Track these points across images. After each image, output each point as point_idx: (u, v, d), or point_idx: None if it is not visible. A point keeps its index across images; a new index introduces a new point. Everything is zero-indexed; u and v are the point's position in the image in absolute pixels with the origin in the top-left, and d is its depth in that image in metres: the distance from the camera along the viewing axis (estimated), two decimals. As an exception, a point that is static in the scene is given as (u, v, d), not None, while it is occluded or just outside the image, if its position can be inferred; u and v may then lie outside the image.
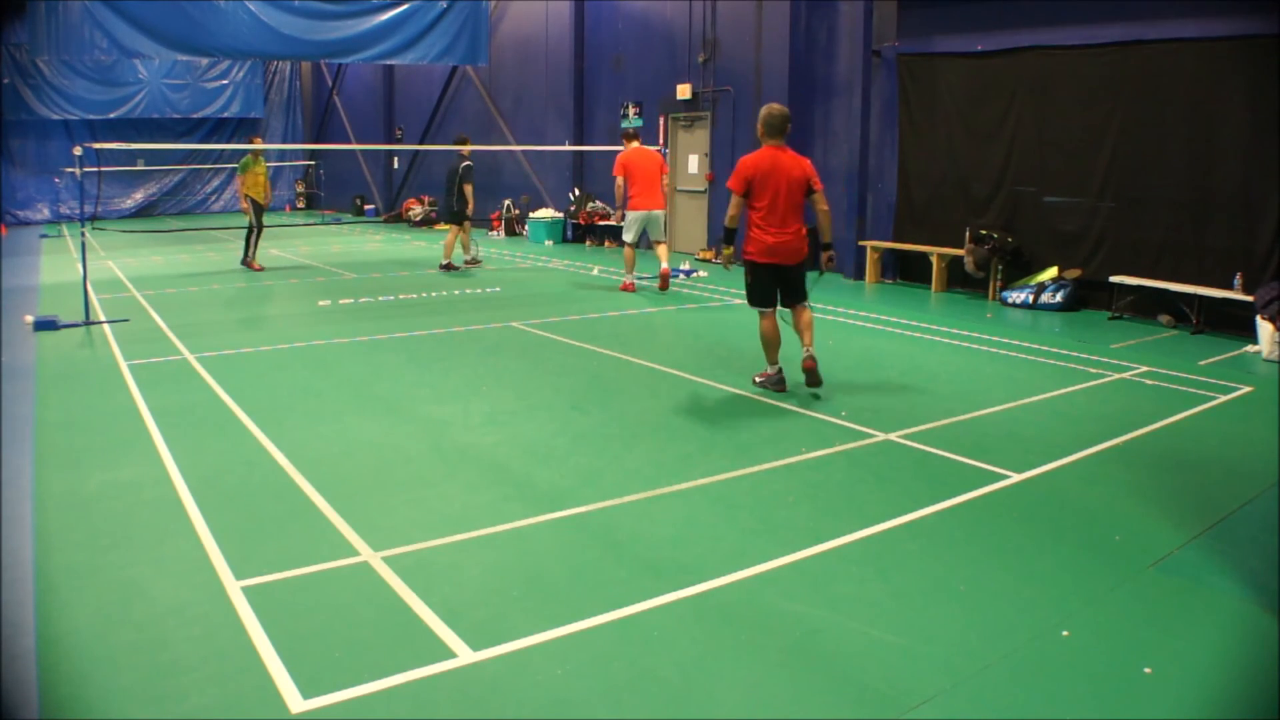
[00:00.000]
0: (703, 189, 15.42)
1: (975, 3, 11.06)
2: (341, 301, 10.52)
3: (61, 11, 13.90)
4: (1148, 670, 2.99)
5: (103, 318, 9.22)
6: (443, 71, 22.27)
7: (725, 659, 3.04)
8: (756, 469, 4.87)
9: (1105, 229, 10.01)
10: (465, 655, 3.03)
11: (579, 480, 4.72)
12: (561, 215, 18.29)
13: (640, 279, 11.78)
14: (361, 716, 2.72)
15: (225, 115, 27.98)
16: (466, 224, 13.66)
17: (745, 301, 6.73)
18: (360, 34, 16.41)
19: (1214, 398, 6.44)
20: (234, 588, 3.49)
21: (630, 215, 11.31)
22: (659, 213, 11.40)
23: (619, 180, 11.37)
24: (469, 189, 13.34)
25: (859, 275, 12.65)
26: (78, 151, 9.71)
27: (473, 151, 13.63)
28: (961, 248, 11.04)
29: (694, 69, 15.25)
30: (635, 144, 11.56)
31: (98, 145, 11.40)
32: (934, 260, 11.56)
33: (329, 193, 29.03)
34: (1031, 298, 10.21)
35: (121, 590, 3.49)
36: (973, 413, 5.98)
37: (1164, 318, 9.34)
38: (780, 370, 6.49)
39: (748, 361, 7.19)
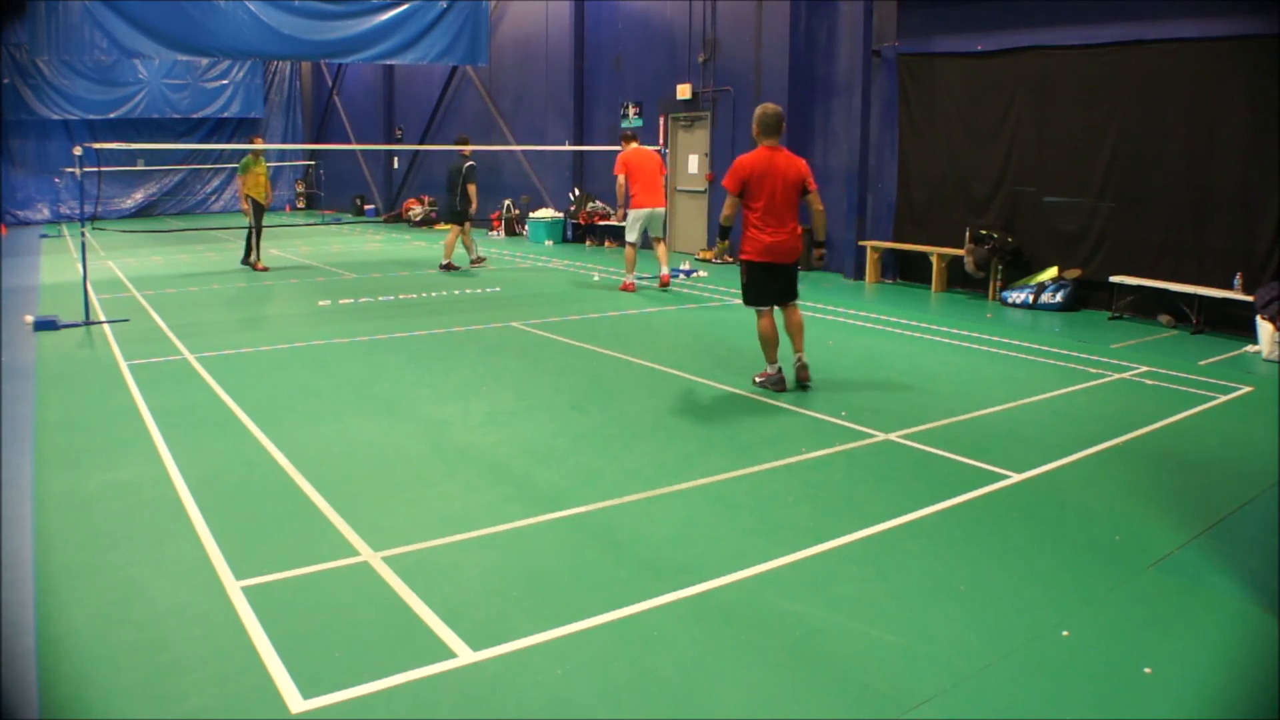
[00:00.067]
0: (703, 189, 15.42)
1: (975, 3, 11.06)
2: (341, 301, 10.52)
3: (61, 11, 13.90)
4: (1148, 670, 2.99)
5: (103, 318, 9.22)
6: (443, 71, 22.27)
7: (725, 659, 3.04)
8: (756, 469, 4.87)
9: (1105, 229, 10.01)
10: (465, 655, 3.03)
11: (579, 480, 4.72)
12: (561, 215, 18.29)
13: (640, 279, 11.78)
14: (361, 716, 2.72)
15: (225, 115, 27.99)
16: (467, 224, 13.68)
17: (742, 301, 6.78)
18: (360, 34, 16.41)
19: (1214, 398, 6.44)
20: (234, 588, 3.49)
21: (632, 214, 11.35)
22: (661, 211, 11.51)
23: (620, 179, 11.40)
24: (473, 189, 13.40)
25: (859, 275, 12.65)
26: (78, 151, 9.71)
27: (473, 151, 13.66)
28: (961, 248, 11.04)
29: (694, 69, 15.26)
30: (634, 144, 11.61)
31: (98, 145, 11.40)
32: (934, 260, 11.56)
33: (329, 193, 29.03)
34: (1031, 298, 10.21)
35: (121, 590, 3.49)
36: (973, 413, 5.98)
37: (1164, 318, 9.34)
38: (780, 370, 6.50)
39: (747, 361, 7.19)
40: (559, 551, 3.88)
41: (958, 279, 11.55)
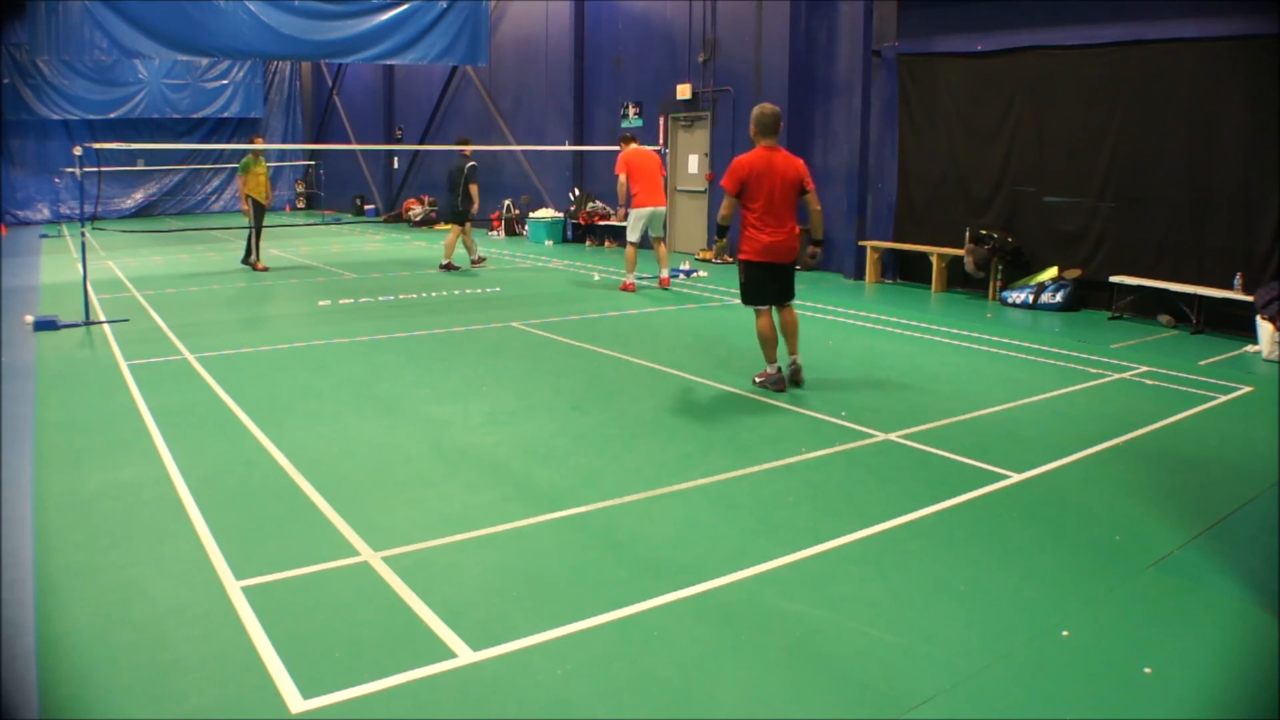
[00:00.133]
0: (703, 189, 15.42)
1: (975, 3, 11.06)
2: (341, 301, 10.52)
3: (61, 11, 13.90)
4: (1148, 670, 2.99)
5: (103, 318, 9.22)
6: (443, 71, 22.27)
7: (725, 659, 3.04)
8: (756, 469, 4.87)
9: (1105, 229, 10.01)
10: (465, 655, 3.03)
11: (579, 480, 4.72)
12: (561, 215, 18.29)
13: (640, 279, 11.79)
14: (361, 716, 2.72)
15: (225, 115, 27.99)
16: (468, 224, 13.70)
17: (740, 301, 6.80)
18: (360, 34, 16.41)
19: (1214, 398, 6.44)
20: (234, 588, 3.49)
21: (634, 213, 11.38)
22: (662, 210, 11.57)
23: (622, 178, 11.41)
24: (474, 189, 13.43)
25: (859, 275, 12.65)
26: (78, 151, 9.71)
27: (474, 152, 13.69)
28: (961, 248, 11.04)
29: (694, 69, 15.25)
30: (634, 145, 11.65)
31: (98, 145, 11.41)
32: (934, 260, 11.56)
33: (329, 193, 29.03)
34: (1031, 298, 10.21)
35: (121, 590, 3.49)
36: (973, 413, 5.98)
37: (1164, 318, 9.34)
38: (779, 369, 6.51)
39: (747, 361, 7.19)
40: (559, 551, 3.88)
41: (958, 279, 11.55)
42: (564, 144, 18.04)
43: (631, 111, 16.86)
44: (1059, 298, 10.03)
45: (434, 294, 11.19)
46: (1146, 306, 9.58)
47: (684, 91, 15.36)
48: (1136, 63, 9.55)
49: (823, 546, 3.90)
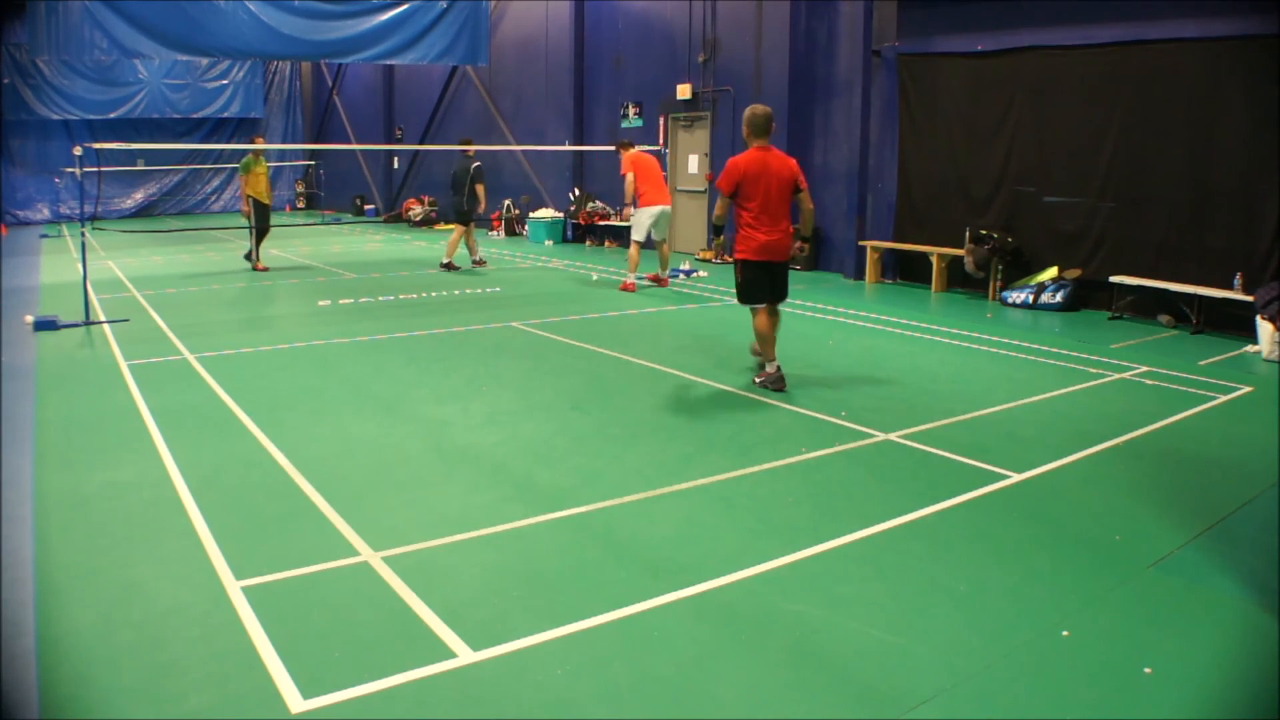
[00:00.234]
0: (703, 189, 15.42)
1: (975, 3, 11.06)
2: (341, 301, 10.52)
3: (61, 11, 13.90)
4: (1148, 670, 2.99)
5: (103, 318, 9.22)
6: (443, 71, 22.27)
7: (725, 659, 3.04)
8: (756, 469, 4.87)
9: (1105, 229, 10.01)
10: (465, 655, 3.03)
11: (579, 480, 4.72)
12: (561, 215, 18.30)
13: (640, 279, 11.79)
14: (361, 716, 2.72)
15: (225, 115, 28.00)
16: (471, 225, 13.73)
17: (736, 300, 6.84)
18: (360, 34, 16.41)
19: (1214, 398, 6.44)
20: (234, 588, 3.49)
21: (642, 212, 11.41)
22: (669, 209, 11.63)
23: (630, 177, 11.43)
24: (481, 189, 13.46)
25: (859, 275, 12.65)
26: (78, 151, 9.70)
27: (476, 152, 13.71)
28: (961, 248, 11.04)
29: (694, 69, 15.26)
30: (635, 148, 11.74)
31: (98, 145, 11.39)
32: (934, 260, 11.56)
33: (329, 193, 29.04)
34: (1031, 298, 10.21)
35: (121, 590, 3.49)
36: (973, 413, 5.98)
37: (1164, 318, 9.34)
38: (779, 368, 6.51)
39: (747, 361, 7.20)
40: (559, 551, 3.88)
41: (958, 279, 11.55)
42: (564, 144, 18.04)
43: (631, 111, 16.86)
44: (1059, 298, 10.03)
45: (434, 294, 11.19)
46: (1146, 306, 9.58)
47: (684, 91, 15.36)
48: (1136, 63, 9.55)
49: (823, 546, 3.90)
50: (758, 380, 6.59)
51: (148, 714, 2.73)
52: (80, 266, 9.78)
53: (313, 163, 29.93)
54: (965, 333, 8.79)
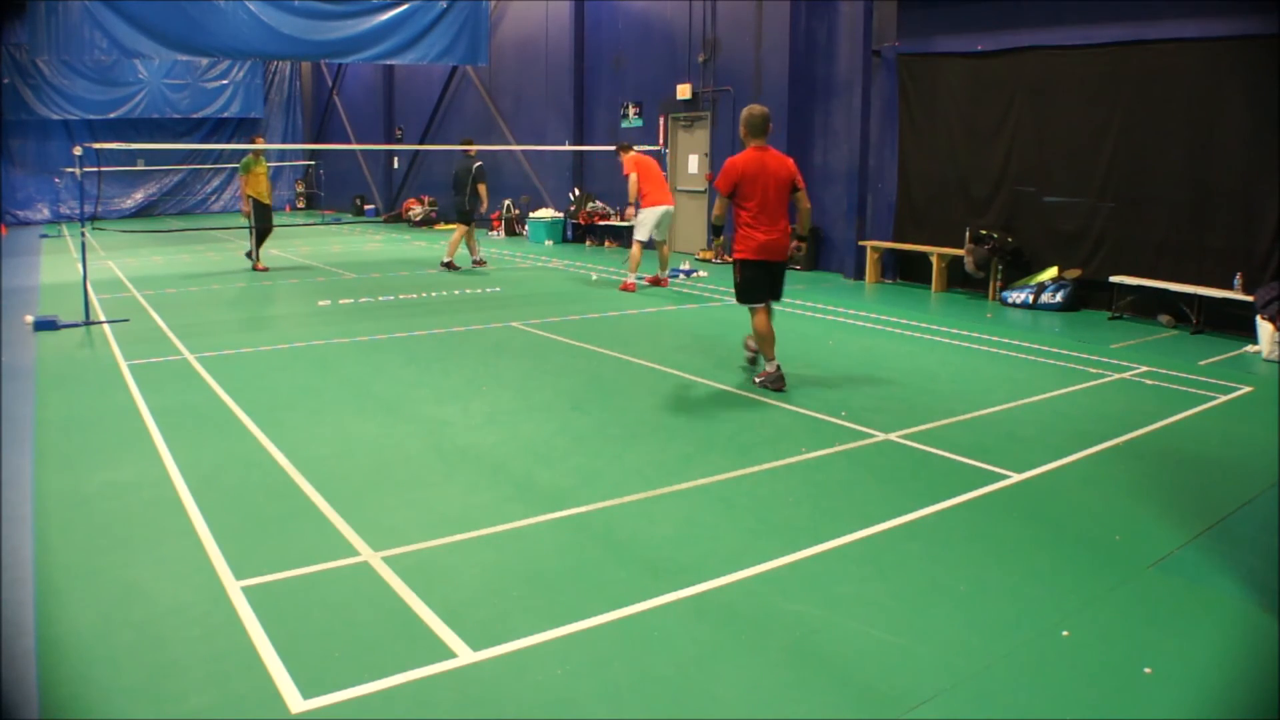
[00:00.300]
0: (703, 189, 15.42)
1: (975, 3, 11.06)
2: (341, 301, 10.52)
3: (61, 11, 13.90)
4: (1148, 670, 2.99)
5: (103, 318, 9.22)
6: (443, 71, 22.27)
7: (725, 659, 3.04)
8: (756, 469, 4.87)
9: (1105, 229, 10.01)
10: (465, 655, 3.03)
11: (579, 480, 4.72)
12: (561, 215, 18.30)
13: (640, 280, 11.79)
14: (361, 716, 2.72)
15: (225, 115, 28.01)
16: (472, 225, 13.75)
17: (735, 300, 6.86)
18: (360, 34, 16.41)
19: (1214, 398, 6.44)
20: (234, 588, 3.49)
21: (646, 212, 11.43)
22: (672, 209, 11.67)
23: (633, 178, 11.44)
24: (484, 188, 13.49)
25: (859, 275, 12.65)
26: (78, 151, 9.70)
27: (478, 152, 13.73)
28: (961, 248, 11.04)
29: (694, 69, 15.25)
30: (634, 150, 11.78)
31: (98, 145, 11.40)
32: (934, 260, 11.56)
33: (329, 193, 29.04)
34: (1031, 298, 10.21)
35: (121, 590, 3.49)
36: (973, 413, 5.98)
37: (1164, 318, 9.34)
38: (779, 368, 6.51)
39: (747, 361, 7.19)
40: (559, 551, 3.88)
41: (958, 279, 11.55)
42: (564, 144, 18.04)
43: (631, 112, 16.86)
44: (1059, 298, 10.03)
45: (434, 294, 11.19)
46: (1146, 306, 9.58)
47: (684, 91, 15.36)
48: (1136, 63, 9.55)
49: (823, 546, 3.90)
50: (758, 380, 6.59)
51: (148, 714, 2.73)
52: (80, 266, 9.78)
53: (313, 163, 29.93)
54: (965, 333, 8.79)
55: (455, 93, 22.46)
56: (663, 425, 5.70)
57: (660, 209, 11.42)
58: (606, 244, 17.38)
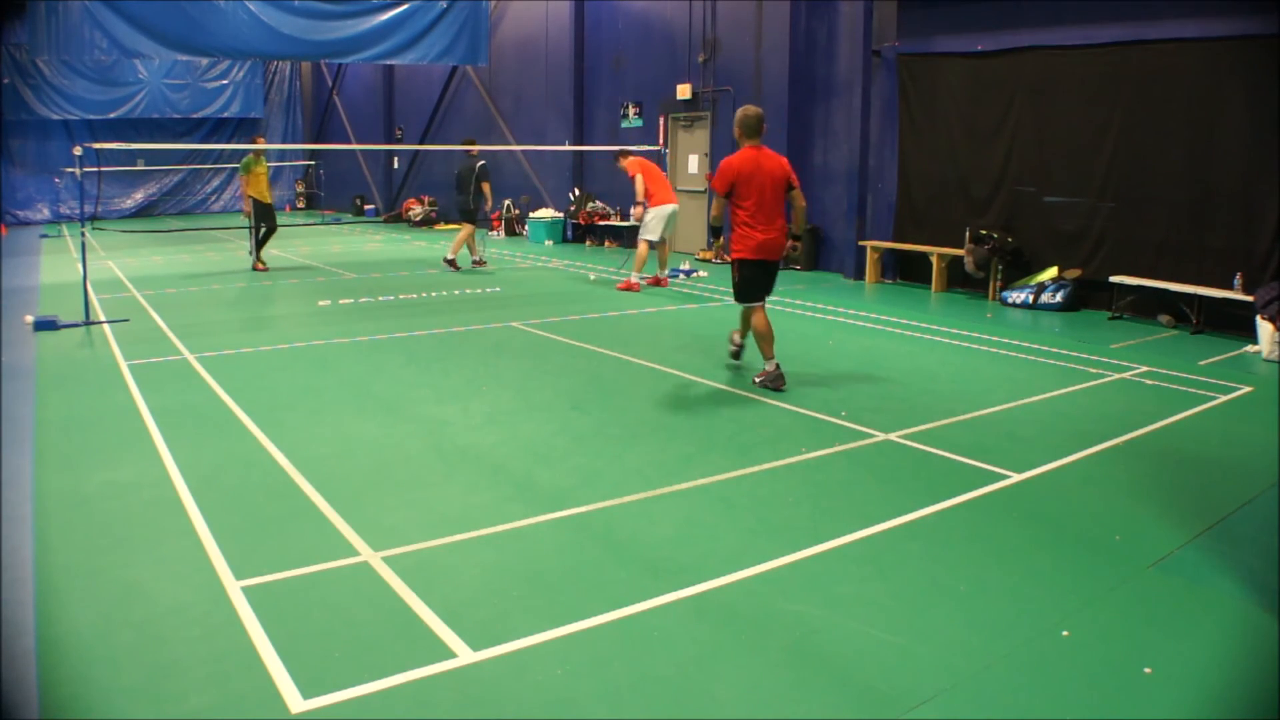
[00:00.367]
0: (702, 189, 15.42)
1: (975, 3, 11.06)
2: (341, 301, 10.52)
3: (61, 11, 13.90)
4: (1148, 670, 2.99)
5: (103, 318, 9.22)
6: (443, 71, 22.27)
7: (725, 659, 3.04)
8: (756, 469, 4.87)
9: (1105, 229, 10.01)
10: (465, 655, 3.03)
11: (579, 480, 4.72)
12: (561, 215, 18.30)
13: (640, 280, 11.79)
14: (361, 716, 2.72)
15: (225, 115, 28.01)
16: (476, 224, 13.78)
17: (733, 299, 6.87)
18: (360, 34, 16.41)
19: (1214, 398, 6.44)
20: (234, 588, 3.49)
21: (654, 212, 11.48)
22: (678, 208, 11.73)
23: (639, 178, 11.48)
24: (487, 187, 13.54)
25: (859, 275, 12.65)
26: (78, 151, 9.70)
27: (479, 152, 13.75)
28: (961, 248, 11.04)
29: (694, 69, 15.25)
30: (633, 155, 11.84)
31: (98, 145, 11.40)
32: (934, 260, 11.56)
33: (329, 193, 29.04)
34: (1031, 298, 10.21)
35: (121, 590, 3.49)
36: (973, 413, 5.98)
37: (1164, 318, 9.33)
38: (778, 367, 6.52)
39: (747, 361, 7.19)
40: (559, 551, 3.88)
41: (958, 279, 11.54)
42: (564, 144, 18.04)
43: (631, 112, 16.86)
44: (1059, 298, 10.03)
45: (434, 294, 11.19)
46: (1146, 306, 9.58)
47: (684, 91, 15.36)
48: (1136, 63, 9.55)
49: (823, 546, 3.90)
50: (757, 379, 6.59)
51: (148, 714, 2.73)
52: (80, 266, 9.78)
53: (313, 163, 29.93)
54: (965, 333, 8.79)
55: (455, 93, 22.46)
56: (663, 425, 5.70)
57: (668, 208, 11.47)
58: (607, 244, 17.38)
